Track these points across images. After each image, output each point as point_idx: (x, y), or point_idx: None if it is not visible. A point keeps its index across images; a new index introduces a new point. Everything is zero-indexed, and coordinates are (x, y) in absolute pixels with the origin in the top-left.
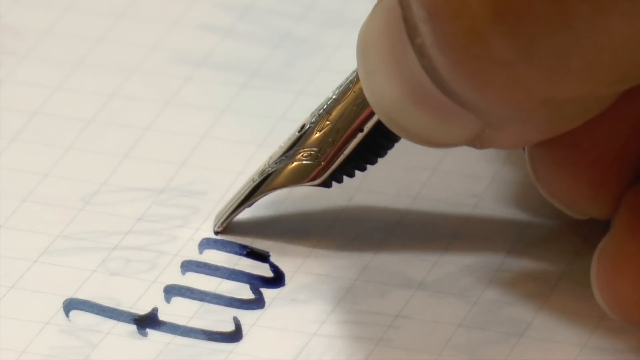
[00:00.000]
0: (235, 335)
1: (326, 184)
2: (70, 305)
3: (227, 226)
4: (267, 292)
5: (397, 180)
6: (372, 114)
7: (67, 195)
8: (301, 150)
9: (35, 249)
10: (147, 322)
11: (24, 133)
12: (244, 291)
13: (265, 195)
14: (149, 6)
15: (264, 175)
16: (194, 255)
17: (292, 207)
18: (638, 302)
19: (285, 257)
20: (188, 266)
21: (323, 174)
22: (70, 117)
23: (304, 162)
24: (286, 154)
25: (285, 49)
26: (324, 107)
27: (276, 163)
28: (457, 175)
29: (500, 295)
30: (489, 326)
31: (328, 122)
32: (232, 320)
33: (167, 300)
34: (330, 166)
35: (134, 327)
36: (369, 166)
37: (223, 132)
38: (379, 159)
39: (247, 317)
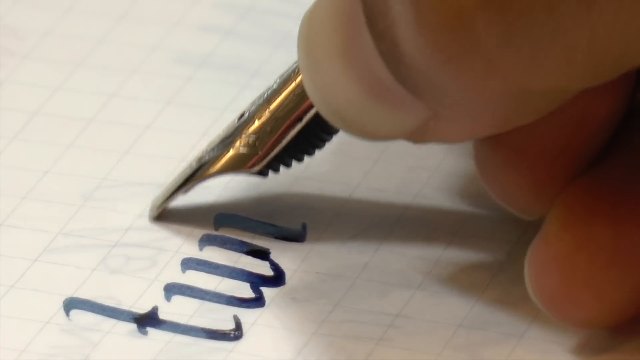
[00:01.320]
0: (235, 334)
1: (263, 173)
2: (71, 304)
3: (163, 213)
4: (268, 291)
5: (397, 179)
6: (311, 105)
7: (67, 191)
8: (239, 138)
9: (36, 248)
10: (147, 320)
11: (24, 132)
12: (244, 290)
13: (200, 182)
14: (150, 7)
15: (201, 163)
16: (194, 252)
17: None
18: (566, 301)
19: (285, 255)
20: (188, 264)
21: (260, 163)
22: (71, 117)
23: (241, 150)
24: (224, 142)
25: (286, 50)
26: (264, 96)
27: (214, 150)
28: (458, 176)
29: (500, 295)
30: (489, 326)
31: (268, 111)
32: (232, 319)
33: (167, 298)
34: (268, 155)
35: (134, 326)
36: (311, 158)
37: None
38: (317, 151)
39: (247, 316)
